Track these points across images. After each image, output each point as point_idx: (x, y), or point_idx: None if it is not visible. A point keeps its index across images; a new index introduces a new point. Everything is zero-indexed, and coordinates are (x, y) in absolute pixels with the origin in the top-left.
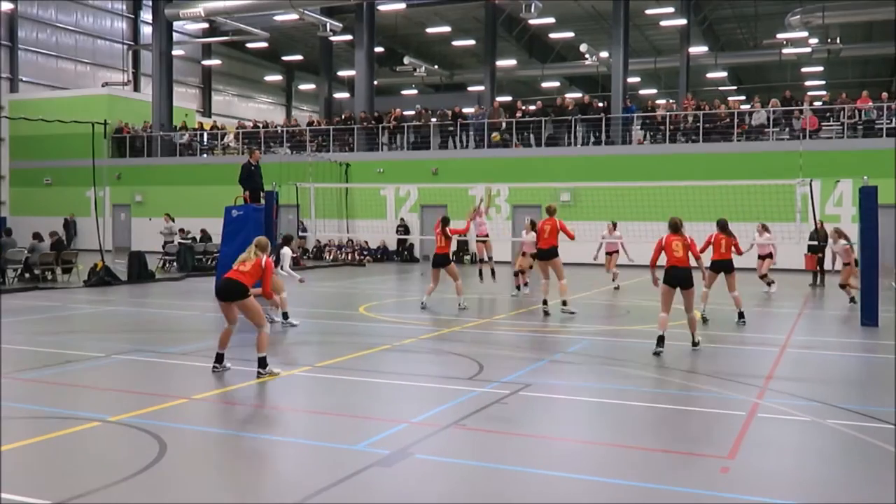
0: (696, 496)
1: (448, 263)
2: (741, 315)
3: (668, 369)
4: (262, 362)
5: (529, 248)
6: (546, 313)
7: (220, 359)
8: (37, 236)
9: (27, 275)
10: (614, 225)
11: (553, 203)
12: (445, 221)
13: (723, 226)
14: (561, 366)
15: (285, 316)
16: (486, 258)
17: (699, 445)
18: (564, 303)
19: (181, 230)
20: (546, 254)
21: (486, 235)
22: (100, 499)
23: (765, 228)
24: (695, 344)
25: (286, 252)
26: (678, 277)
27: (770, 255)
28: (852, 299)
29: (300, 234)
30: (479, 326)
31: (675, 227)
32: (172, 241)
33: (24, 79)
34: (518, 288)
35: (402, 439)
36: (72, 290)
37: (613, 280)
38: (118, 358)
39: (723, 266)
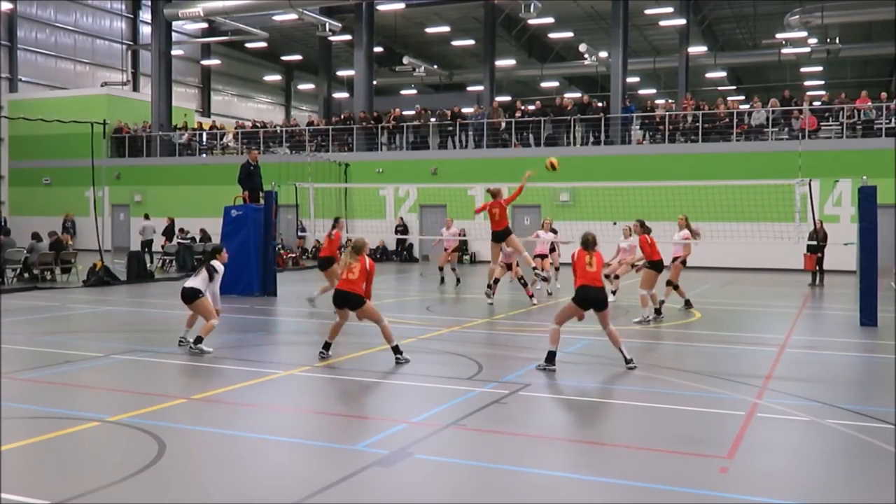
0: (696, 496)
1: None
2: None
3: (668, 369)
4: (397, 349)
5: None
6: (488, 295)
7: (327, 347)
8: (35, 236)
9: (26, 275)
10: (550, 223)
11: (496, 185)
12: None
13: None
14: (560, 366)
15: (198, 340)
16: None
17: (698, 445)
18: (536, 270)
19: (181, 230)
20: (501, 235)
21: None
22: (99, 499)
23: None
24: (628, 362)
25: (217, 266)
26: (591, 299)
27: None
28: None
29: (299, 234)
30: (478, 326)
31: (588, 245)
32: (150, 239)
33: (23, 79)
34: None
35: (401, 439)
36: (71, 290)
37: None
38: (117, 358)
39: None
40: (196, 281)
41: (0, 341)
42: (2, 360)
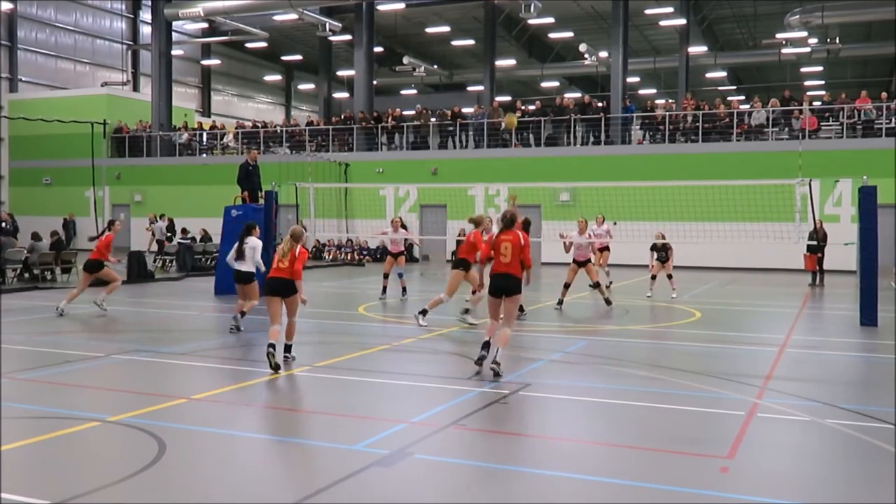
0: (696, 496)
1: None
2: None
3: (668, 369)
4: (289, 348)
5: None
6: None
7: (274, 347)
8: (35, 236)
9: (26, 274)
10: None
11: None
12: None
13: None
14: (560, 366)
15: (242, 314)
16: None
17: (698, 445)
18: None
19: (183, 230)
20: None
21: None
22: (99, 499)
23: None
24: (496, 365)
25: (256, 243)
26: (502, 287)
27: (607, 248)
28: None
29: None
30: (478, 327)
31: (509, 223)
32: (160, 239)
33: (23, 79)
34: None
35: (401, 439)
36: (71, 290)
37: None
38: (117, 358)
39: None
40: (246, 264)
41: (0, 341)
42: (1, 360)
